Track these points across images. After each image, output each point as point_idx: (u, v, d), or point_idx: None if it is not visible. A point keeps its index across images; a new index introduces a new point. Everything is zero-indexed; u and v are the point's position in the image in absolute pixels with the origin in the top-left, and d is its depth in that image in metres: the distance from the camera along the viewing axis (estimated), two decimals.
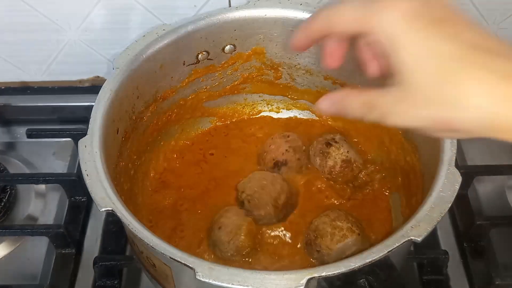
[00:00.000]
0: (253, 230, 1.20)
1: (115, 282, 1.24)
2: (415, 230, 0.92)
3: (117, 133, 1.16)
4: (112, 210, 0.96)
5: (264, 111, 1.47)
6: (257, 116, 1.47)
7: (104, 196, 0.98)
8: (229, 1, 1.34)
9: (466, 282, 1.25)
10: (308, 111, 1.45)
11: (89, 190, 0.99)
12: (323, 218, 1.19)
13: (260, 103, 1.47)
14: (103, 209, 0.96)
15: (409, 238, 0.90)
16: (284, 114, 1.47)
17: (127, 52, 1.19)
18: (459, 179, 0.99)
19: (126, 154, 1.22)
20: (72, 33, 1.42)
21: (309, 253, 1.20)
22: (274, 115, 1.47)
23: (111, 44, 1.44)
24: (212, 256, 1.20)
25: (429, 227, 0.92)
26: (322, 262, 1.16)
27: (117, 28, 1.41)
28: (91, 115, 1.09)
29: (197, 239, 1.24)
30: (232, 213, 1.21)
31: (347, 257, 0.93)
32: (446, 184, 0.98)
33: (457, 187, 0.98)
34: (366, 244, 1.16)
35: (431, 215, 0.94)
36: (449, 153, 1.03)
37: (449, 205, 0.95)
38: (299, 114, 1.46)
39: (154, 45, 1.20)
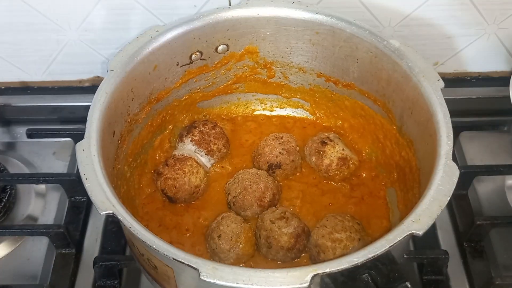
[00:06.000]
0: (252, 237, 1.20)
1: (115, 282, 1.24)
2: (416, 224, 0.92)
3: (113, 135, 1.16)
4: (112, 213, 0.96)
5: (258, 110, 1.48)
6: (251, 115, 1.47)
7: (104, 200, 0.97)
8: (229, 1, 1.34)
9: (466, 282, 1.25)
10: (302, 109, 1.45)
11: (89, 193, 0.98)
12: (320, 231, 1.17)
13: (254, 102, 1.47)
14: (104, 213, 0.96)
15: (411, 232, 0.91)
16: (278, 112, 1.47)
17: (121, 54, 1.18)
18: (457, 172, 0.99)
19: (122, 157, 1.22)
20: (72, 33, 1.42)
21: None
22: (268, 114, 1.48)
23: (111, 44, 1.44)
24: None
25: (430, 220, 0.92)
26: None
27: (117, 28, 1.41)
28: (87, 118, 1.09)
29: (194, 244, 1.25)
30: (230, 220, 1.20)
31: None
32: (444, 178, 0.98)
33: (455, 180, 0.98)
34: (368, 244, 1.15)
35: (431, 208, 0.94)
36: (445, 147, 1.03)
37: (448, 198, 0.96)
38: (293, 112, 1.47)
39: (148, 47, 1.20)
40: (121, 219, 0.96)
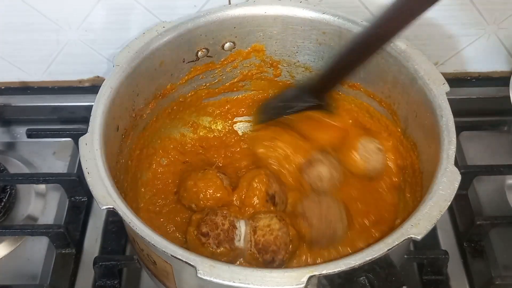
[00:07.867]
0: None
1: (115, 282, 1.25)
2: (415, 228, 0.92)
3: (117, 130, 1.16)
4: (113, 208, 0.95)
5: None
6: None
7: (105, 194, 0.97)
8: (229, 0, 1.33)
9: (466, 282, 1.25)
10: None
11: (90, 187, 0.98)
12: None
13: None
14: (104, 207, 0.95)
15: (409, 237, 0.91)
16: None
17: (127, 49, 1.18)
18: (458, 177, 0.99)
19: (126, 151, 1.21)
20: (72, 33, 1.42)
21: None
22: None
23: (111, 44, 1.43)
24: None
25: (429, 225, 0.92)
26: None
27: (117, 28, 1.41)
28: (91, 113, 1.08)
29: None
30: None
31: None
32: (446, 183, 0.98)
33: (457, 185, 0.98)
34: None
35: (430, 213, 0.94)
36: (448, 151, 1.02)
37: (449, 203, 0.95)
38: None
39: (154, 43, 1.20)
40: (121, 214, 0.96)
